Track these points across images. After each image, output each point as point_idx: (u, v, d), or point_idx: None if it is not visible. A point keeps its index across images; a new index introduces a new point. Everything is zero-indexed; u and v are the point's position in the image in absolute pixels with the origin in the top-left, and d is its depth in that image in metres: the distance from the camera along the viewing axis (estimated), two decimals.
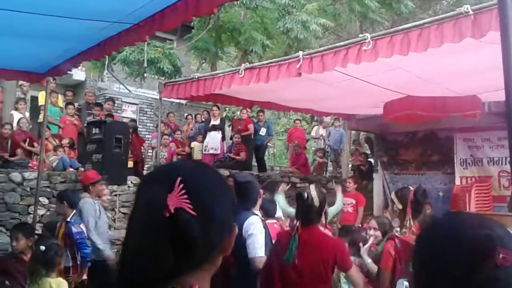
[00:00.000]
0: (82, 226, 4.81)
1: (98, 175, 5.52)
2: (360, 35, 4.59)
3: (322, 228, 3.18)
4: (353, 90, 6.13)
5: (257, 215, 3.56)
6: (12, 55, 5.08)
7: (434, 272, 0.94)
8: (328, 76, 5.24)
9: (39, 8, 3.65)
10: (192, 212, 0.86)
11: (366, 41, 4.30)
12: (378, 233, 4.12)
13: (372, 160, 10.44)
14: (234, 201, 1.01)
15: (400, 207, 3.42)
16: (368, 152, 11.63)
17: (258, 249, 3.27)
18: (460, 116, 6.30)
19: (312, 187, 3.20)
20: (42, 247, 3.41)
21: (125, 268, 0.88)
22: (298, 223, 3.07)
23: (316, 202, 3.06)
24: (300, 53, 5.10)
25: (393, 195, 3.49)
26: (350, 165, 13.02)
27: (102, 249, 4.97)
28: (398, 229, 3.38)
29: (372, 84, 5.76)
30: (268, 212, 4.53)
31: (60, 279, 3.46)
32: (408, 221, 3.35)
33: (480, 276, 0.88)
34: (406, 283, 2.79)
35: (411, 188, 3.64)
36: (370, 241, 4.13)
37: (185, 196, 0.87)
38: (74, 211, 4.89)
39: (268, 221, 4.39)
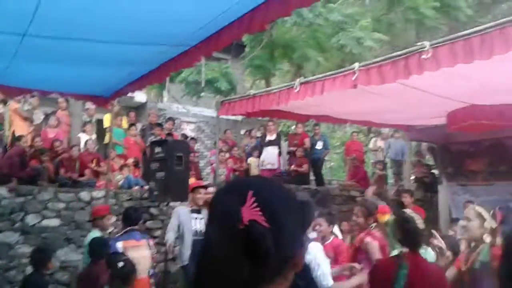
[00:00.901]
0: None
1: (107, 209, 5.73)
2: (418, 43, 4.46)
3: None
4: (413, 101, 5.97)
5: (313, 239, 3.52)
6: (79, 81, 5.41)
7: None
8: (386, 87, 5.13)
9: (102, 35, 3.87)
10: (266, 224, 0.88)
11: (425, 49, 4.18)
12: (449, 254, 3.94)
13: (435, 171, 10.06)
14: (304, 214, 1.02)
15: (494, 225, 3.24)
16: (431, 163, 11.22)
17: (328, 280, 3.23)
18: None
19: (409, 211, 3.13)
20: (121, 263, 3.58)
21: (202, 279, 0.92)
22: (404, 250, 2.92)
23: (421, 224, 2.95)
24: (356, 64, 5.03)
25: (483, 212, 3.29)
26: (412, 177, 12.58)
27: None
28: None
29: (433, 94, 5.59)
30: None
31: None
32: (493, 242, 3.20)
33: None
34: None
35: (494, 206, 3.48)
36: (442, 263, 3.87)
37: (258, 209, 0.89)
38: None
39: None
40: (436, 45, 4.18)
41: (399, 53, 4.67)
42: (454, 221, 7.79)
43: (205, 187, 6.23)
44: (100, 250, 4.38)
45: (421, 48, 4.26)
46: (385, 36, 13.17)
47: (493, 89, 5.27)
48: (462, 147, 8.58)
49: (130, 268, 3.60)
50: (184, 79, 12.46)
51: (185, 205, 6.04)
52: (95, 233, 5.16)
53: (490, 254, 3.16)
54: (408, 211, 3.11)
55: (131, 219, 5.00)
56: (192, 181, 8.88)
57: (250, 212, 0.89)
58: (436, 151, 9.52)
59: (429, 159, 12.09)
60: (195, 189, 5.94)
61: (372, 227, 4.10)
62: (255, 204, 0.89)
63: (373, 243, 3.90)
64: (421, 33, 13.93)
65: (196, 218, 5.76)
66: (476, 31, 3.91)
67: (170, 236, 5.82)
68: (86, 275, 4.37)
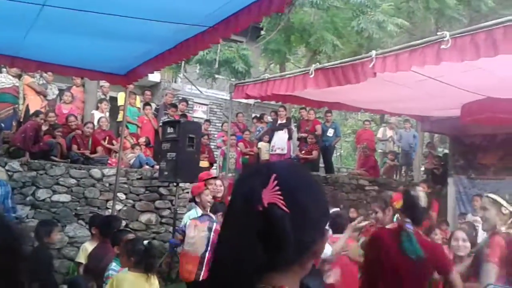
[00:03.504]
0: None
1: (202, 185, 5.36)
2: (438, 33, 4.39)
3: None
4: (428, 91, 5.92)
5: None
6: (95, 56, 5.39)
7: None
8: (402, 76, 5.07)
9: (121, 10, 3.86)
10: (285, 209, 0.87)
11: (445, 39, 4.11)
12: (468, 244, 3.92)
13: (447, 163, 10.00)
14: (327, 205, 1.01)
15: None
16: (442, 155, 11.14)
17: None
18: None
19: (419, 188, 3.19)
20: (146, 241, 3.64)
21: (219, 259, 0.92)
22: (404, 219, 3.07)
23: (423, 202, 3.04)
24: (373, 52, 4.96)
25: (499, 198, 3.31)
26: (422, 169, 12.52)
27: None
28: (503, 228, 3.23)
29: (449, 85, 5.52)
30: (335, 227, 4.28)
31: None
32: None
33: None
34: None
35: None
36: (462, 253, 3.89)
37: (279, 193, 0.88)
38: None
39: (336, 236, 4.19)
40: (457, 35, 4.11)
41: (418, 42, 4.61)
42: (462, 214, 7.78)
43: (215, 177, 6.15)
44: (107, 229, 4.43)
45: (441, 37, 4.20)
46: (406, 22, 12.99)
47: (509, 82, 5.18)
48: (475, 140, 8.49)
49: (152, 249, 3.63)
50: (201, 60, 12.44)
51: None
52: (193, 213, 5.19)
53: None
54: (418, 188, 3.16)
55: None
56: (205, 164, 8.95)
57: (270, 195, 0.88)
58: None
59: (440, 152, 12.01)
60: (206, 181, 5.55)
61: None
62: (277, 188, 0.89)
63: None
64: (441, 23, 13.70)
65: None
66: (498, 23, 3.84)
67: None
68: (94, 253, 4.42)
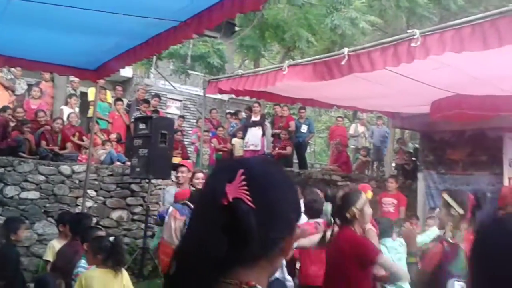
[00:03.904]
0: None
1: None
2: (408, 31, 4.46)
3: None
4: (399, 88, 6.01)
5: None
6: (64, 50, 5.27)
7: (494, 274, 0.93)
8: (374, 73, 5.13)
9: (90, 3, 3.78)
10: (251, 204, 0.87)
11: (415, 37, 4.18)
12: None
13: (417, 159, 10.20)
14: (299, 202, 1.01)
15: (462, 212, 3.21)
16: (413, 151, 11.36)
17: None
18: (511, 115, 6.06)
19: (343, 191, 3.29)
20: (112, 238, 3.59)
21: (182, 254, 0.91)
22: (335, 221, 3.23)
23: (338, 201, 3.17)
24: (345, 49, 5.00)
25: (450, 199, 3.32)
26: (394, 164, 12.75)
27: None
28: (450, 233, 3.25)
29: (419, 82, 5.62)
30: (311, 212, 4.50)
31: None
32: (466, 227, 3.23)
33: None
34: (461, 284, 2.72)
35: (467, 192, 3.52)
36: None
37: (245, 188, 0.88)
38: None
39: (311, 221, 4.41)
40: (426, 33, 4.19)
41: (389, 39, 4.68)
42: (431, 209, 7.96)
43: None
44: (77, 226, 4.35)
45: (411, 35, 4.26)
46: (379, 20, 13.19)
47: (479, 80, 5.32)
48: (444, 136, 8.68)
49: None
50: (174, 53, 12.31)
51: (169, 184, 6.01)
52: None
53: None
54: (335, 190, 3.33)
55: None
56: (177, 160, 8.88)
57: (236, 190, 0.88)
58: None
59: (411, 147, 12.24)
60: (178, 166, 5.86)
61: None
62: (243, 183, 0.88)
63: (373, 230, 3.99)
64: (412, 21, 13.95)
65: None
66: (467, 21, 3.92)
67: None
68: (63, 251, 4.34)
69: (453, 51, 3.99)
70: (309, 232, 3.92)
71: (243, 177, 0.89)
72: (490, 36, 3.66)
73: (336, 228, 3.21)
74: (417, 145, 11.86)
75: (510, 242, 0.92)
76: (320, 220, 4.28)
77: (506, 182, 7.49)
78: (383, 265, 3.00)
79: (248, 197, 0.87)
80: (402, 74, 5.28)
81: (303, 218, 4.40)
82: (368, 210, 3.20)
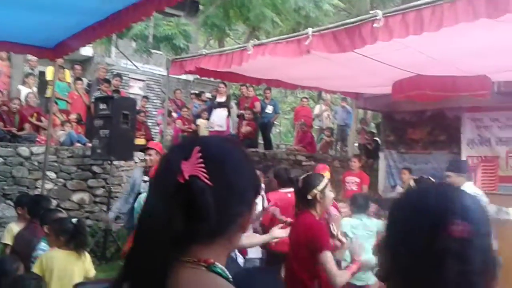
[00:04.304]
0: None
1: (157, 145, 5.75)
2: (371, 12, 4.49)
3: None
4: (362, 69, 6.07)
5: None
6: (20, 28, 5.04)
7: (397, 240, 0.96)
8: (336, 54, 5.17)
9: None
10: (207, 181, 0.86)
11: (377, 17, 4.21)
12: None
13: (378, 138, 10.43)
14: (257, 178, 1.01)
15: None
16: (375, 131, 11.59)
17: None
18: (470, 95, 6.24)
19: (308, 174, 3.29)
20: (75, 219, 3.51)
21: (139, 232, 0.90)
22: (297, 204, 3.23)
23: (300, 184, 3.15)
24: (310, 29, 5.01)
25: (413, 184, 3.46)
26: (356, 144, 12.99)
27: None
28: None
29: (381, 63, 5.70)
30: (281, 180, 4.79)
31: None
32: None
33: (436, 247, 0.89)
34: None
35: (431, 178, 3.61)
36: None
37: (202, 165, 0.87)
38: None
39: (282, 190, 4.70)
40: (389, 14, 4.22)
41: (352, 20, 4.70)
42: (391, 187, 8.19)
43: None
44: (35, 209, 4.23)
45: (374, 16, 4.29)
46: (342, 4, 13.24)
47: (439, 61, 5.44)
48: (405, 117, 8.90)
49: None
50: (140, 32, 12.00)
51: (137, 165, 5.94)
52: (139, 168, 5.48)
53: None
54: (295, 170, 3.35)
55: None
56: (141, 142, 8.75)
57: (192, 167, 0.87)
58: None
59: (373, 127, 12.48)
60: (149, 149, 5.73)
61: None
62: (199, 160, 0.88)
63: (338, 216, 4.05)
64: (376, 3, 14.09)
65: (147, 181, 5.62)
66: (427, 2, 3.97)
67: (115, 209, 5.84)
68: (22, 234, 4.23)
69: (415, 34, 4.04)
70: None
71: (199, 154, 0.88)
72: (447, 16, 3.73)
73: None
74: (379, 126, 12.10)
75: (412, 210, 0.97)
76: None
77: None
78: (324, 264, 2.85)
79: (204, 174, 0.87)
80: (364, 55, 5.33)
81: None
82: (330, 193, 3.19)
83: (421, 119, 8.67)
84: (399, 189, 7.22)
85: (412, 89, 6.29)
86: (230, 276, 0.90)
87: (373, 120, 15.21)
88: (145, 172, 5.59)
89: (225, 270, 0.90)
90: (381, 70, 6.02)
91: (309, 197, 3.05)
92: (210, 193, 0.86)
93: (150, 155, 5.55)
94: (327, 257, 2.86)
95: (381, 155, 9.24)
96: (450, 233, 0.89)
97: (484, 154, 7.61)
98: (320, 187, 3.09)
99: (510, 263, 4.22)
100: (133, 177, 5.84)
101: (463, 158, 7.79)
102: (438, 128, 8.46)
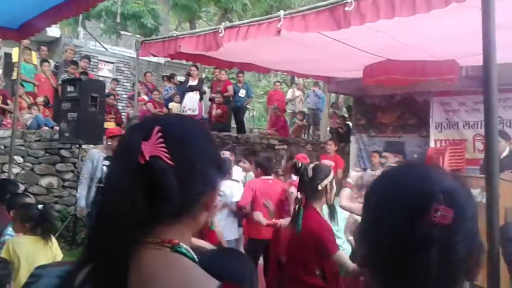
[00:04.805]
0: None
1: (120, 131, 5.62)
2: None
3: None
4: (334, 53, 6.09)
5: None
6: None
7: (375, 223, 0.88)
8: (309, 37, 5.17)
9: None
10: (169, 161, 0.85)
11: (349, 1, 4.21)
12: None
13: (350, 122, 10.54)
14: (220, 156, 1.00)
15: None
16: (347, 115, 11.71)
17: None
18: (438, 80, 6.35)
19: (314, 163, 3.15)
20: (41, 206, 3.43)
21: (101, 213, 0.88)
22: (301, 196, 3.03)
23: (310, 173, 2.97)
24: (281, 12, 4.99)
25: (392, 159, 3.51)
26: (328, 128, 13.11)
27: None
28: None
29: (352, 47, 5.72)
30: (263, 169, 4.99)
31: None
32: None
33: (416, 232, 0.81)
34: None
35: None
36: None
37: (162, 145, 0.86)
38: None
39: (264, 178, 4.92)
40: None
41: (323, 3, 4.68)
42: (363, 170, 8.31)
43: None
44: (3, 193, 4.12)
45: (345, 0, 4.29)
46: None
47: (409, 46, 5.50)
48: (376, 101, 9.02)
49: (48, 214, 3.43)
50: (107, 8, 11.64)
51: (100, 148, 5.85)
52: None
53: None
54: (304, 161, 3.22)
55: None
56: (111, 125, 8.60)
57: (153, 147, 0.85)
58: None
59: (345, 112, 12.61)
60: (114, 137, 5.64)
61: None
62: (160, 140, 0.86)
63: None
64: None
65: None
66: None
67: (81, 197, 5.73)
68: None
69: (386, 18, 4.06)
70: None
71: (159, 134, 0.86)
72: (419, 2, 3.76)
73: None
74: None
75: (391, 193, 0.88)
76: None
77: (432, 144, 7.95)
78: (339, 261, 2.82)
79: (165, 154, 0.85)
80: (335, 39, 5.34)
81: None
82: (334, 188, 3.09)
83: (391, 103, 8.80)
84: (369, 172, 7.34)
85: (382, 74, 6.36)
86: (195, 256, 0.89)
87: (345, 104, 15.36)
88: (108, 158, 5.55)
89: (190, 250, 0.89)
90: (353, 55, 6.05)
91: (320, 187, 2.95)
92: (172, 173, 0.85)
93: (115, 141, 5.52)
94: (341, 255, 2.84)
95: (352, 138, 9.36)
96: (433, 219, 0.80)
97: (452, 138, 7.80)
98: (330, 177, 3.02)
99: None
100: (92, 159, 5.77)
101: (431, 141, 7.98)
102: (407, 112, 8.61)
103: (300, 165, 3.04)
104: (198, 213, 0.93)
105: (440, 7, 3.70)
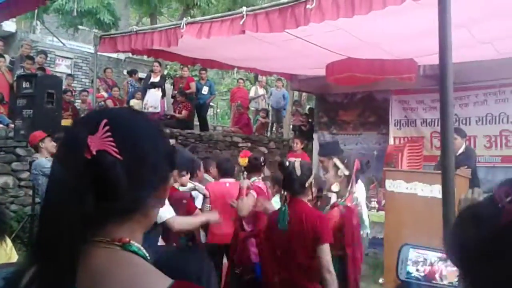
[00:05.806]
0: None
1: (44, 133, 5.33)
2: None
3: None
4: (296, 50, 6.12)
5: None
6: None
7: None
8: (272, 35, 5.16)
9: None
10: (117, 155, 0.81)
11: None
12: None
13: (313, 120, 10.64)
14: (171, 149, 0.96)
15: (347, 173, 3.48)
16: (308, 112, 11.82)
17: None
18: (397, 78, 6.50)
19: (298, 160, 3.17)
20: None
21: (45, 212, 0.83)
22: (286, 193, 3.08)
23: (298, 171, 3.02)
24: (244, 9, 4.98)
25: (338, 162, 3.54)
26: (291, 126, 13.20)
27: None
28: (335, 194, 3.47)
29: (314, 45, 5.77)
30: (223, 171, 4.74)
31: None
32: (350, 188, 3.47)
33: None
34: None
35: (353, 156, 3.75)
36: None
37: (110, 139, 0.82)
38: None
39: (222, 180, 4.67)
40: None
41: (285, 0, 4.69)
42: (325, 169, 8.41)
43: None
44: None
45: None
46: None
47: (368, 44, 5.59)
48: (337, 99, 9.15)
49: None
50: (61, 7, 11.30)
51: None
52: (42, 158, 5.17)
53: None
54: (292, 159, 3.23)
55: None
56: (68, 122, 8.34)
57: (100, 141, 0.81)
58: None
59: (307, 109, 12.72)
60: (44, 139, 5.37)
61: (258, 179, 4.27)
62: (107, 134, 0.82)
63: (253, 195, 4.04)
64: None
65: None
66: None
67: None
68: None
69: (346, 16, 4.11)
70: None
71: (106, 127, 0.82)
72: (376, 1, 3.82)
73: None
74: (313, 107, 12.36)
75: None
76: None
77: (391, 141, 8.14)
78: (322, 255, 2.84)
79: (113, 148, 0.81)
80: (298, 36, 5.37)
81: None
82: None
83: (352, 101, 8.95)
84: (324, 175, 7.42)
85: (342, 72, 6.45)
86: (147, 255, 0.86)
87: (308, 102, 15.50)
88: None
89: (142, 248, 0.86)
90: (315, 52, 6.11)
91: (307, 184, 3.03)
92: (120, 167, 0.81)
93: None
94: (328, 250, 2.87)
95: (315, 136, 9.46)
96: None
97: (410, 135, 8.00)
98: (312, 176, 3.11)
99: (395, 233, 4.47)
100: (42, 171, 5.18)
101: (391, 138, 8.16)
102: (368, 110, 8.78)
103: (288, 163, 3.08)
104: (149, 209, 0.89)
105: (396, 4, 3.78)
